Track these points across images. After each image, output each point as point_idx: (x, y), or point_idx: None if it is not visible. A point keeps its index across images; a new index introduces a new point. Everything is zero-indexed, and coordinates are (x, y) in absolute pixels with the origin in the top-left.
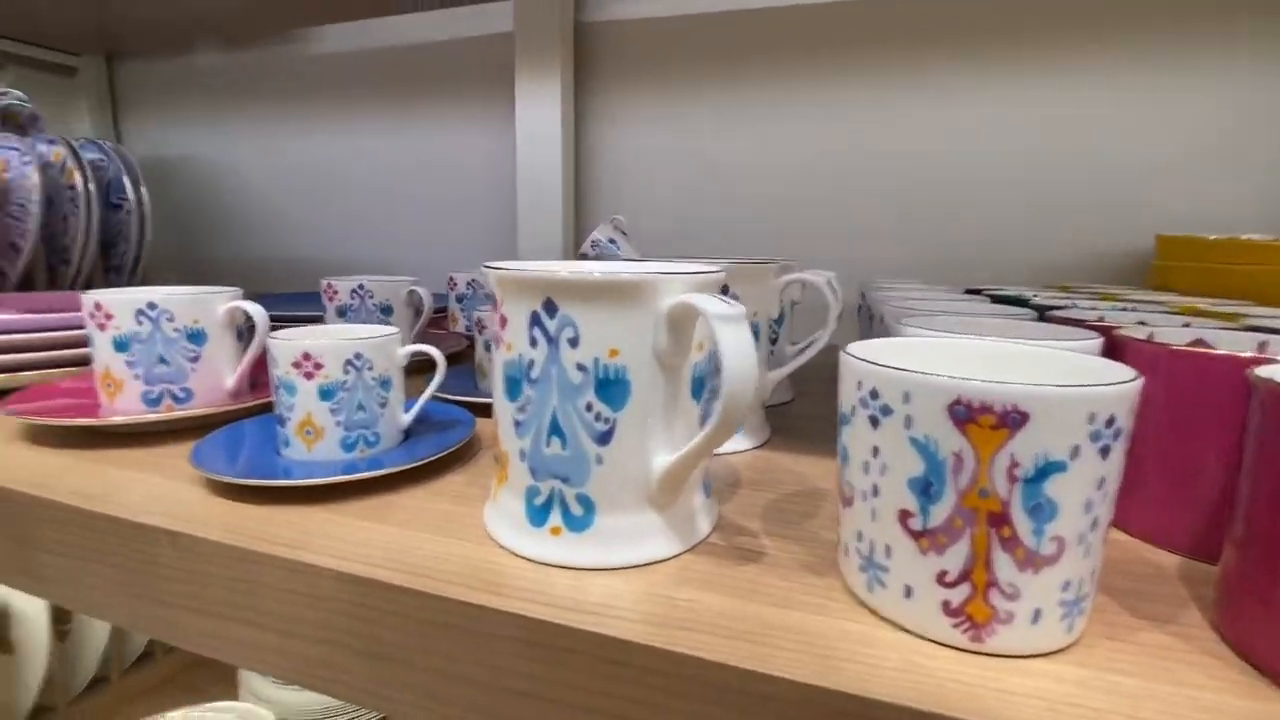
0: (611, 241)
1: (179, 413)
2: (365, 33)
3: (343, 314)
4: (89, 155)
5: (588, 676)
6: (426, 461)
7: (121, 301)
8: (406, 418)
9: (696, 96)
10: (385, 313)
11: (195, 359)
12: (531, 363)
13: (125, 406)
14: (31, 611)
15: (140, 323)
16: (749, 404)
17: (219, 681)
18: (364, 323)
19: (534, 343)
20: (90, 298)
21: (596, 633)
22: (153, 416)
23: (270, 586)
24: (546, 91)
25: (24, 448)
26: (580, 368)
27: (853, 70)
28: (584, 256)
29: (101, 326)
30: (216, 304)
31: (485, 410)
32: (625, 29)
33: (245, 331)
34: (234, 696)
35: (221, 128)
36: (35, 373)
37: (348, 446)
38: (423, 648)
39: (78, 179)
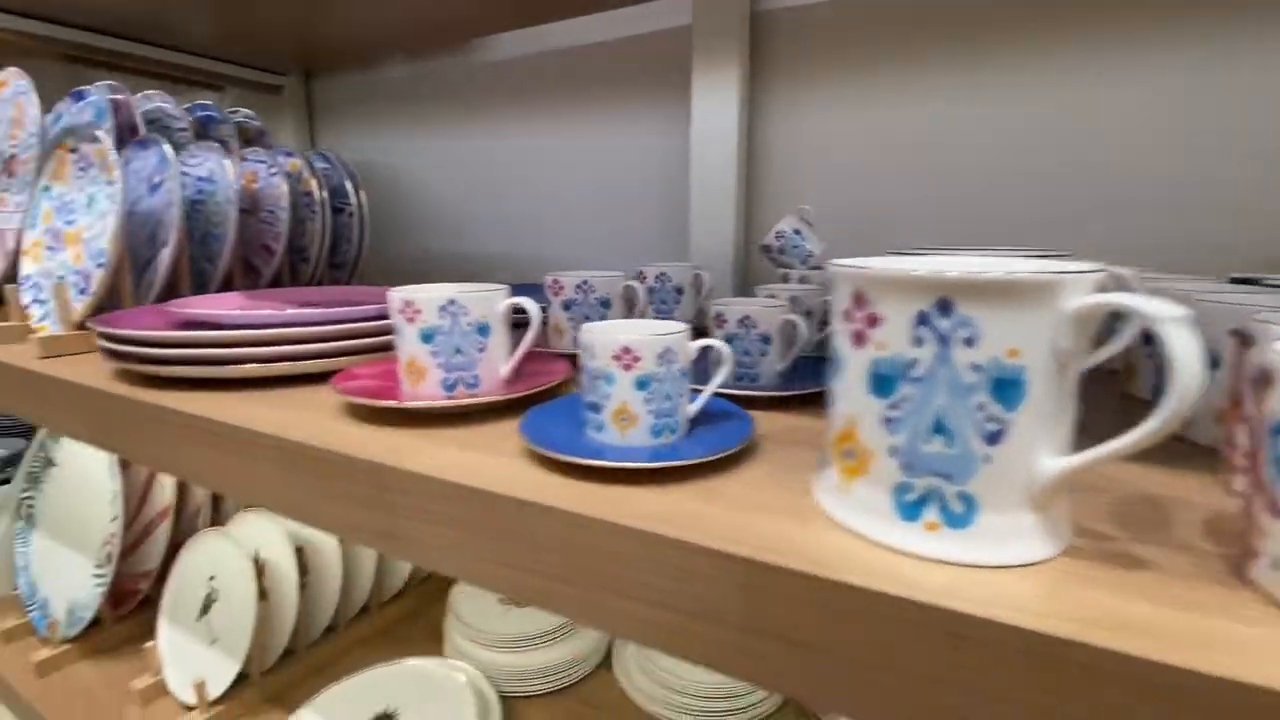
0: (796, 232)
1: (469, 399)
2: (539, 38)
3: (567, 307)
4: (317, 164)
5: (1013, 670)
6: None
7: (428, 298)
8: (693, 408)
9: (878, 81)
10: (604, 305)
11: (482, 349)
12: (914, 361)
13: (428, 392)
14: (282, 564)
15: (442, 317)
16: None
17: (425, 638)
18: (586, 316)
19: (919, 342)
20: (400, 295)
21: (1031, 630)
22: (453, 401)
23: (644, 560)
24: (724, 83)
25: (349, 423)
26: (975, 368)
27: (1061, 40)
28: (767, 248)
29: (410, 320)
30: (498, 300)
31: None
32: (803, 15)
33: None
34: (438, 651)
35: (404, 134)
36: (326, 360)
37: (655, 433)
38: (815, 627)
39: (314, 186)
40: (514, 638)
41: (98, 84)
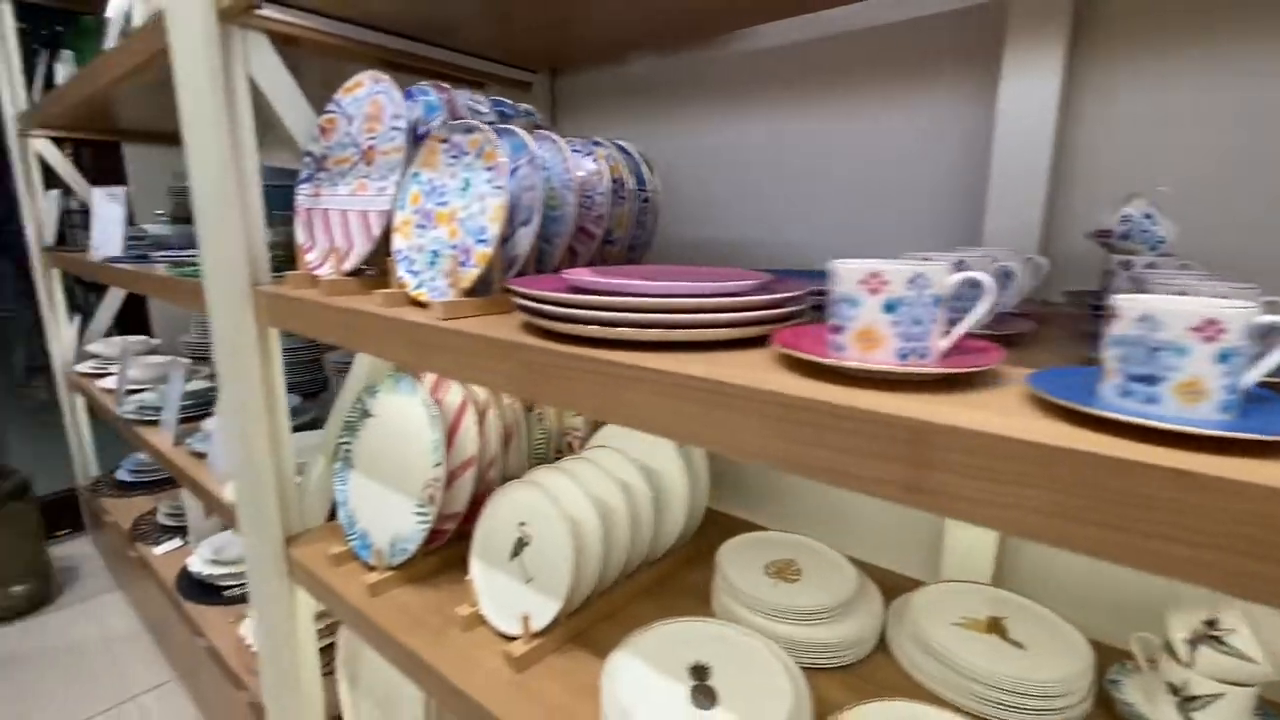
0: (1148, 216)
1: (919, 368)
2: (799, 26)
3: None
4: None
5: None
6: None
7: (896, 271)
8: (1247, 381)
9: (1228, 52)
10: (972, 286)
11: (933, 322)
12: None
13: (880, 359)
14: (587, 519)
15: (909, 289)
16: None
17: (689, 600)
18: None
19: None
20: (862, 267)
21: None
22: (904, 368)
23: None
24: (1043, 61)
25: (816, 384)
26: None
27: None
28: (1106, 233)
29: (874, 291)
30: (943, 274)
31: None
32: None
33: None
34: (708, 611)
35: (646, 126)
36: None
37: (1225, 408)
38: None
39: (624, 172)
40: (790, 610)
41: (427, 83)
